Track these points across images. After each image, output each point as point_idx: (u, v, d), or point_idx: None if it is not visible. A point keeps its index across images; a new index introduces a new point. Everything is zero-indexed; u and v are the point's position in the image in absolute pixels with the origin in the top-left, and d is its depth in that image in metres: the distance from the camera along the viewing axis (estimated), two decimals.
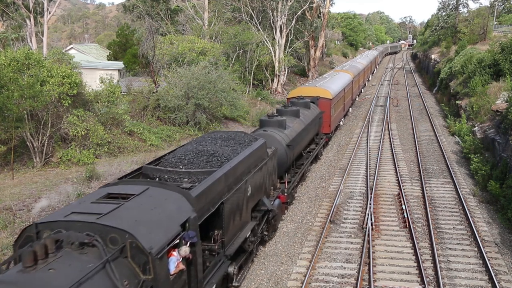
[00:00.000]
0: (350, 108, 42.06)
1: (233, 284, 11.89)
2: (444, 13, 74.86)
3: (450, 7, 73.40)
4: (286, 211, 18.34)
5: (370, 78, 69.82)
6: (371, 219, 17.61)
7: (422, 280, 13.41)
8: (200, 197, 9.38)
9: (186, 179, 10.33)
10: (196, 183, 10.10)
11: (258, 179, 13.62)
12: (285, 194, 17.23)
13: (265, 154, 14.62)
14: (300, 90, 29.55)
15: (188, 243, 8.34)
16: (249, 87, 45.43)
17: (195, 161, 11.48)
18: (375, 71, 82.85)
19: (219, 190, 10.46)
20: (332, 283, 13.55)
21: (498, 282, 13.22)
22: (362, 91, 56.30)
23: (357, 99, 49.04)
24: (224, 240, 10.83)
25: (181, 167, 11.08)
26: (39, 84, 19.56)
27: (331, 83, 33.05)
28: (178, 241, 8.08)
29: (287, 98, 28.80)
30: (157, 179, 10.59)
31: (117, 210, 7.79)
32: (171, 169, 10.81)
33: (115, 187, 9.31)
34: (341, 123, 35.70)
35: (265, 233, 15.09)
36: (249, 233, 12.73)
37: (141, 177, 11.00)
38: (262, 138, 15.30)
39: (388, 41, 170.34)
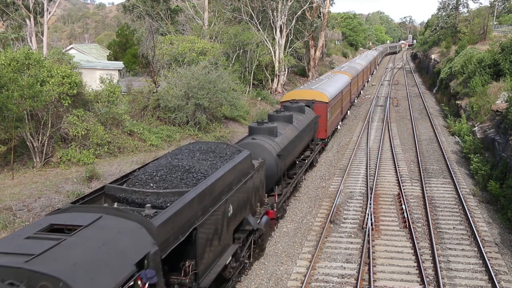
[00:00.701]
0: (348, 111, 40.75)
1: None
2: (444, 13, 74.88)
3: (450, 7, 73.42)
4: (276, 227, 16.91)
5: (369, 79, 68.35)
6: (371, 219, 17.61)
7: (422, 280, 13.40)
8: (165, 225, 7.94)
9: (152, 203, 8.94)
10: (164, 206, 8.80)
11: (242, 197, 12.15)
12: (274, 209, 15.71)
13: (250, 167, 13.04)
14: (295, 93, 28.43)
15: (147, 284, 6.92)
16: (249, 87, 45.42)
17: (168, 178, 10.00)
18: (374, 71, 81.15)
19: (191, 214, 9.01)
20: (332, 283, 13.55)
21: (498, 282, 13.22)
22: (361, 92, 54.96)
23: (356, 101, 47.89)
24: (197, 271, 9.26)
25: (151, 185, 9.77)
26: (39, 84, 19.56)
27: (328, 86, 31.74)
28: (132, 283, 6.61)
29: (280, 102, 27.45)
30: (119, 202, 9.29)
31: (55, 249, 6.29)
32: (137, 189, 9.40)
33: (63, 215, 7.76)
34: (338, 127, 34.32)
35: (246, 261, 13.26)
36: (230, 258, 11.15)
37: (103, 198, 9.50)
38: (248, 149, 14.04)
39: (388, 41, 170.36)
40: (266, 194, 15.27)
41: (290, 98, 26.33)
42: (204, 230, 9.57)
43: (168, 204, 8.81)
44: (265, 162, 14.73)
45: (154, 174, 10.16)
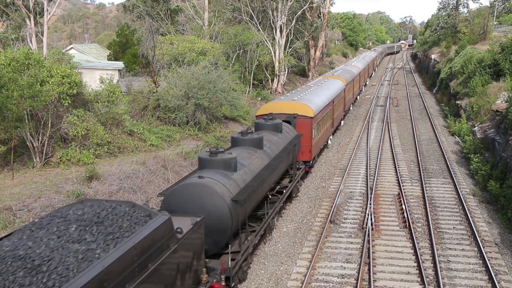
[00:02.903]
0: (342, 121, 36.67)
1: None
2: (444, 13, 74.90)
3: (450, 7, 73.44)
4: None
5: (367, 82, 64.24)
6: (371, 219, 17.61)
7: (422, 280, 13.41)
8: None
9: None
10: None
11: None
12: (222, 283, 11.41)
13: (168, 240, 8.62)
14: (273, 106, 23.46)
15: None
16: (249, 87, 45.43)
17: (1, 283, 6.00)
18: (373, 74, 77.21)
19: None
20: (332, 283, 13.55)
21: (498, 282, 13.22)
22: (358, 98, 50.65)
23: (351, 108, 43.62)
24: None
25: None
26: (38, 84, 19.56)
27: (315, 95, 26.70)
28: None
29: (256, 116, 23.12)
30: None
31: None
32: None
33: None
34: (329, 141, 29.94)
35: None
36: None
37: None
38: (190, 193, 11.67)
39: (388, 41, 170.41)
40: (210, 258, 11.84)
41: (267, 111, 22.24)
42: None
43: None
44: (201, 223, 10.16)
45: None
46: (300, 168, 21.51)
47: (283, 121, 20.38)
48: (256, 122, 19.46)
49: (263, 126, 18.89)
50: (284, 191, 18.21)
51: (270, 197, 16.94)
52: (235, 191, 12.53)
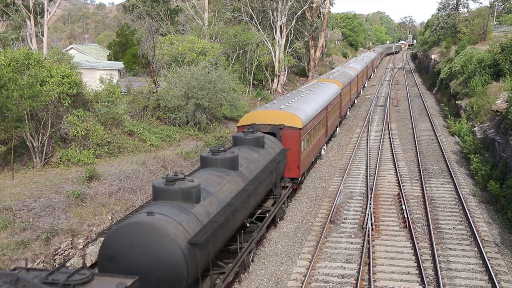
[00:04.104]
0: (337, 128, 34.07)
1: None
2: (444, 13, 74.93)
3: (450, 7, 73.46)
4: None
5: (366, 85, 62.16)
6: (371, 219, 17.61)
7: (422, 280, 13.41)
8: None
9: None
10: None
11: None
12: None
13: None
14: (256, 115, 20.63)
15: None
16: (249, 87, 45.43)
17: None
18: (372, 75, 74.86)
19: None
20: (332, 283, 13.55)
21: (498, 282, 13.23)
22: (356, 102, 48.45)
23: (348, 113, 41.25)
24: None
25: None
26: (38, 84, 19.55)
27: (306, 102, 23.81)
28: None
29: (237, 127, 20.70)
30: None
31: None
32: None
33: None
34: (322, 152, 27.29)
35: None
36: None
37: None
38: (129, 237, 9.49)
39: (388, 41, 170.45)
40: None
41: (249, 122, 19.78)
42: None
43: None
44: (136, 286, 7.63)
45: None
46: (287, 187, 19.14)
47: (267, 133, 18.58)
48: (233, 136, 17.01)
49: (241, 140, 16.53)
50: (267, 215, 15.93)
51: (248, 225, 14.65)
52: (195, 230, 10.14)
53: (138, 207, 11.66)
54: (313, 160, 23.69)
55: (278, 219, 17.82)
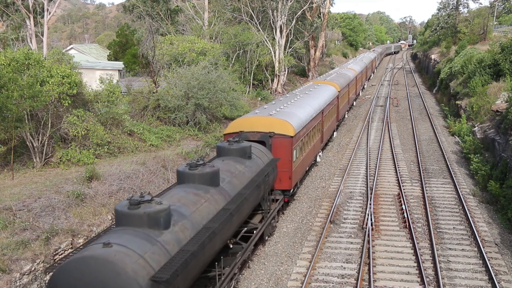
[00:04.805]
0: (335, 132, 32.86)
1: None
2: (444, 13, 74.95)
3: (450, 7, 73.47)
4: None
5: (365, 86, 60.97)
6: (371, 219, 17.62)
7: (422, 280, 13.41)
8: None
9: None
10: None
11: None
12: None
13: None
14: (245, 122, 18.91)
15: None
16: (249, 87, 45.44)
17: None
18: (371, 76, 73.45)
19: None
20: (332, 283, 13.55)
21: (498, 282, 13.23)
22: (354, 103, 46.76)
23: (346, 115, 40.00)
24: None
25: None
26: (38, 84, 19.55)
27: (299, 107, 22.20)
28: None
29: (224, 134, 19.31)
30: None
31: None
32: None
33: None
34: (318, 158, 25.74)
35: None
36: None
37: None
38: (76, 277, 8.06)
39: (388, 41, 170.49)
40: None
41: (237, 129, 18.22)
42: None
43: None
44: None
45: None
46: (277, 200, 17.69)
47: (256, 141, 17.26)
48: (217, 146, 15.45)
49: (225, 151, 14.96)
50: (255, 232, 14.50)
51: (231, 246, 13.10)
52: (161, 263, 8.64)
53: (97, 235, 10.24)
54: (307, 169, 22.20)
55: (267, 237, 16.23)
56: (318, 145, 25.03)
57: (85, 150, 21.16)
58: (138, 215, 9.15)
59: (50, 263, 12.22)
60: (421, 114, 41.08)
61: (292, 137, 18.23)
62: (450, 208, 19.19)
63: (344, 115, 38.71)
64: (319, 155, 26.11)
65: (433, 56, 71.88)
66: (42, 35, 36.62)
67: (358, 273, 13.87)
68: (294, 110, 21.15)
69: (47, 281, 8.82)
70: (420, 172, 23.70)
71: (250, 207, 14.13)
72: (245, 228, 14.43)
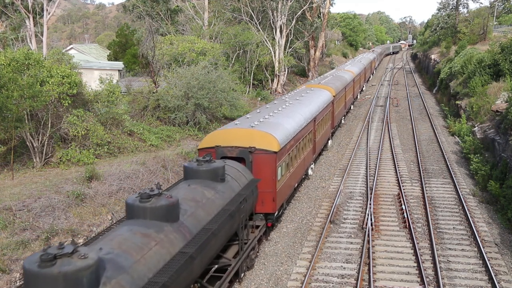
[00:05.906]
0: (329, 140, 29.98)
1: None
2: (444, 13, 74.95)
3: (450, 7, 73.49)
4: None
5: (364, 88, 58.71)
6: (371, 219, 17.62)
7: (422, 280, 13.41)
8: None
9: None
10: None
11: None
12: None
13: None
14: (221, 135, 16.26)
15: None
16: (249, 87, 45.44)
17: None
18: (370, 77, 71.61)
19: None
20: (332, 283, 13.55)
21: (498, 282, 13.23)
22: (352, 107, 44.27)
23: (343, 121, 37.57)
24: None
25: None
26: (38, 84, 19.55)
27: (286, 116, 19.54)
28: None
29: (198, 149, 16.43)
30: None
31: None
32: None
33: None
34: (309, 171, 23.39)
35: None
36: None
37: None
38: None
39: (388, 41, 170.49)
40: None
41: (213, 143, 15.68)
42: None
43: None
44: None
45: None
46: (260, 226, 15.29)
47: (234, 158, 15.11)
48: (184, 167, 12.77)
49: (193, 172, 12.46)
50: (229, 269, 12.22)
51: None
52: None
53: None
54: (295, 185, 19.60)
55: (242, 274, 13.63)
56: (310, 157, 22.65)
57: (85, 150, 21.16)
58: (52, 276, 6.59)
59: None
60: (421, 114, 41.09)
61: (276, 152, 15.54)
62: (450, 208, 19.19)
63: (340, 121, 36.22)
64: (311, 168, 23.78)
65: (433, 56, 71.89)
66: (42, 35, 36.62)
67: (358, 273, 13.87)
68: (280, 120, 18.45)
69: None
70: (420, 172, 23.69)
71: (221, 241, 11.67)
72: (216, 266, 12.04)
